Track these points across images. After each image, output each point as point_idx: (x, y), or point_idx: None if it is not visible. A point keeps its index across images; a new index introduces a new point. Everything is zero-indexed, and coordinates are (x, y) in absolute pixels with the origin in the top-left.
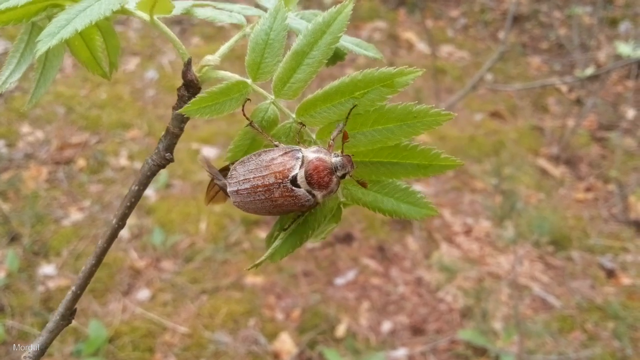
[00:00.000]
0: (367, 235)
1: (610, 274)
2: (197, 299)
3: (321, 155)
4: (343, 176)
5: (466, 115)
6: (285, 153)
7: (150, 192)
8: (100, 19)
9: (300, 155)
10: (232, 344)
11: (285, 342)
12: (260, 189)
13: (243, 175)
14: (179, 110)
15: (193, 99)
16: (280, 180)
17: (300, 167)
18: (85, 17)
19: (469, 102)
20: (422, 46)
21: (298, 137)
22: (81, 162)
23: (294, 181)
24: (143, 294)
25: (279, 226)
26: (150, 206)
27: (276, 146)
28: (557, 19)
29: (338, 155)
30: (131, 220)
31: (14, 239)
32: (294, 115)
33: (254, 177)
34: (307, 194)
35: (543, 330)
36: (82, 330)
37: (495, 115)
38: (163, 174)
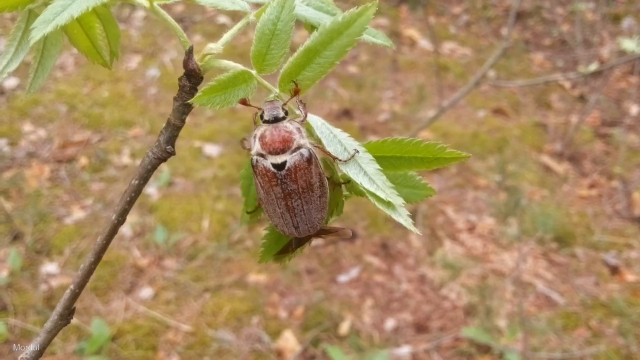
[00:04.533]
0: (371, 232)
1: (615, 270)
2: (200, 297)
3: (257, 132)
4: (284, 107)
5: (469, 112)
6: (254, 174)
7: (152, 190)
8: (98, 6)
9: (254, 156)
10: (235, 342)
11: (289, 340)
12: (290, 202)
13: (282, 218)
14: (190, 100)
15: (204, 88)
16: (277, 181)
17: (266, 155)
18: (81, 3)
19: (471, 98)
20: (424, 43)
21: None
22: (83, 161)
23: (279, 167)
24: (146, 292)
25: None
26: (152, 204)
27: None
28: (560, 15)
29: (264, 105)
30: (133, 219)
31: (16, 237)
32: (302, 115)
33: (279, 207)
34: (298, 153)
35: (547, 327)
36: (84, 329)
37: (498, 112)
38: (165, 172)
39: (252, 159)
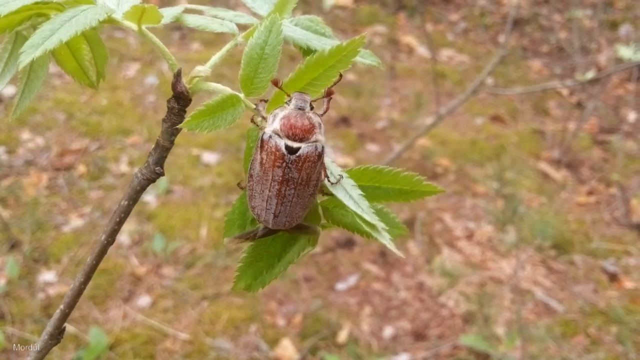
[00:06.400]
0: (368, 240)
1: (613, 277)
2: (198, 305)
3: (280, 112)
4: (312, 103)
5: (467, 119)
6: (260, 147)
7: (150, 198)
8: (87, 29)
9: (268, 132)
10: (233, 350)
11: (287, 348)
12: (284, 189)
13: (265, 202)
14: (179, 125)
15: (193, 113)
16: (282, 163)
17: (281, 139)
18: (70, 27)
19: (469, 106)
20: (422, 50)
21: None
22: (81, 169)
23: (292, 151)
24: (144, 300)
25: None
26: (150, 212)
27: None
28: (558, 22)
29: (290, 99)
30: (131, 227)
31: (14, 245)
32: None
33: (269, 190)
34: (314, 145)
35: (546, 335)
36: (82, 337)
37: (496, 119)
38: (163, 180)
39: (263, 133)
